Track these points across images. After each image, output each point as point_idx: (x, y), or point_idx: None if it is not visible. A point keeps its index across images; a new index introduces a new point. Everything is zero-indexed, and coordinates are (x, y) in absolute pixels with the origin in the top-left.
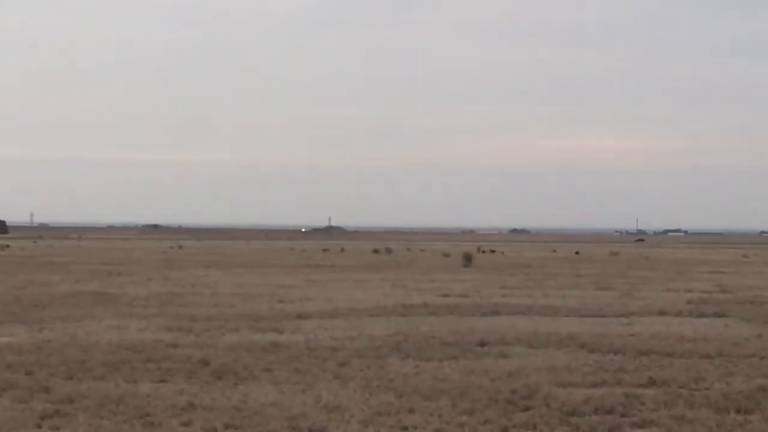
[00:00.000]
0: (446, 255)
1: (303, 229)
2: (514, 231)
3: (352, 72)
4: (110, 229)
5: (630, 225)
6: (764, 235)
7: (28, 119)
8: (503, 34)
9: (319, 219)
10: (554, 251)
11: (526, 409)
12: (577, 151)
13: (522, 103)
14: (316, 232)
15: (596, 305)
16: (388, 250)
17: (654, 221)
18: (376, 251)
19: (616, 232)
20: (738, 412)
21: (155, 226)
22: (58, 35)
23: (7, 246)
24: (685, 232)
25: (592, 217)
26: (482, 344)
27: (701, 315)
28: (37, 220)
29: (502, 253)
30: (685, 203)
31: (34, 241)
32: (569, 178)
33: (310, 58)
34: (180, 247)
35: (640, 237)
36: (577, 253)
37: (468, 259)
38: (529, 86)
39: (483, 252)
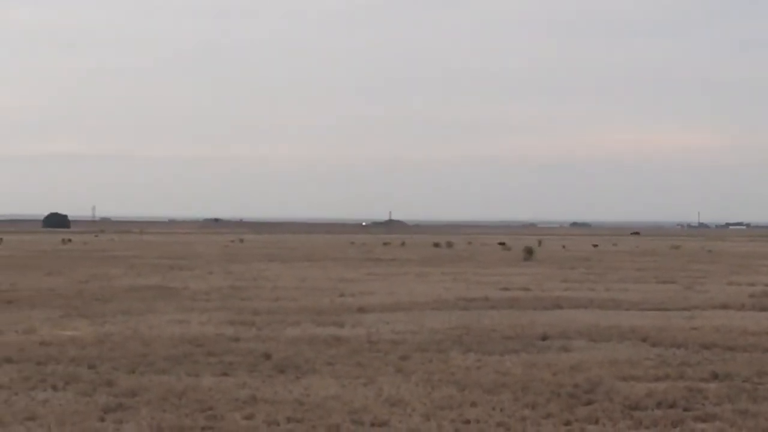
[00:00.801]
0: (507, 248)
1: (363, 223)
2: (574, 224)
3: (413, 66)
4: (171, 223)
5: (692, 218)
6: None
7: (90, 115)
8: (566, 28)
9: (379, 213)
10: (615, 245)
11: (589, 403)
12: (639, 143)
13: (583, 96)
14: (376, 226)
15: (658, 299)
16: (449, 244)
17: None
18: (436, 245)
19: (678, 224)
20: None
21: (216, 220)
22: (116, 34)
23: (70, 240)
24: (747, 225)
25: (653, 210)
26: (544, 338)
27: (764, 309)
28: (99, 214)
29: (563, 246)
30: (748, 196)
31: (96, 236)
32: (631, 171)
33: (366, 53)
34: (241, 240)
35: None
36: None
37: (529, 252)
38: (590, 79)
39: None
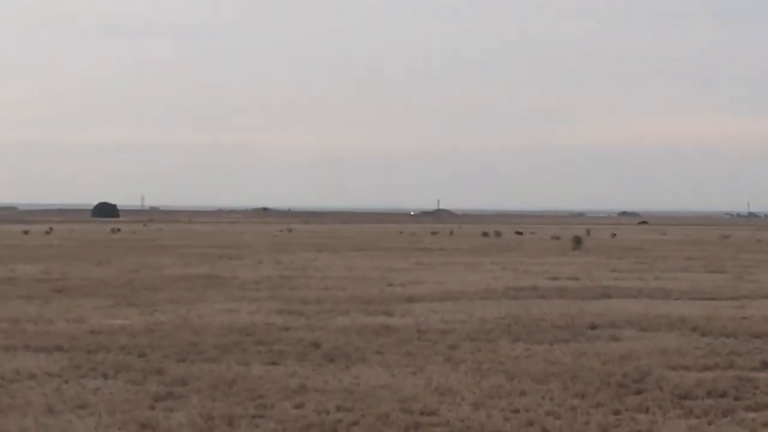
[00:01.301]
0: (556, 238)
1: (412, 213)
2: (623, 214)
3: (461, 54)
4: (220, 212)
5: (742, 207)
6: None
7: (139, 105)
8: (617, 15)
9: (427, 202)
10: (664, 234)
11: (638, 392)
12: (687, 132)
13: (631, 85)
14: (424, 216)
15: (707, 288)
16: (497, 233)
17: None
18: (485, 234)
19: (727, 214)
20: None
21: (265, 209)
22: (169, 20)
23: (119, 230)
24: None
25: (702, 199)
26: (593, 327)
27: None
28: (148, 203)
29: (613, 235)
30: None
31: (145, 225)
32: (680, 160)
33: (416, 39)
34: (290, 230)
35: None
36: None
37: (577, 241)
38: (639, 68)
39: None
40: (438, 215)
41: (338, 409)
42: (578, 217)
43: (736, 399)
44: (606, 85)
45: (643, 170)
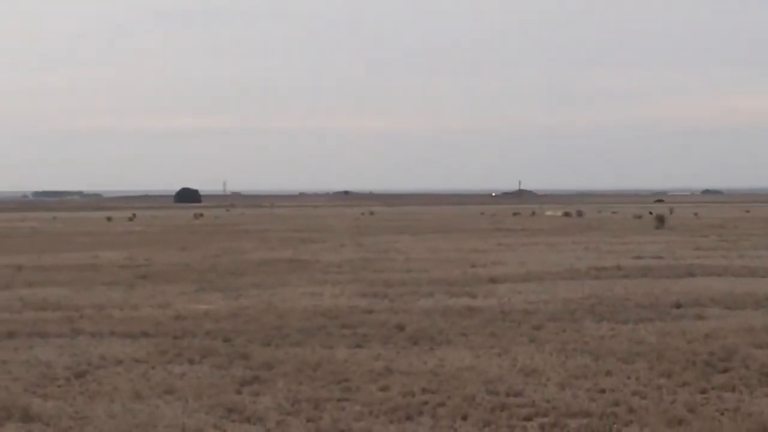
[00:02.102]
0: (638, 217)
1: (493, 194)
2: (706, 192)
3: (542, 34)
4: (301, 196)
5: None
6: None
7: (220, 90)
8: None
9: (509, 183)
10: (747, 212)
11: (725, 370)
12: None
13: (716, 63)
14: (506, 196)
15: None
16: (579, 213)
17: None
18: (566, 214)
19: None
20: None
21: (346, 192)
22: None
23: (201, 215)
24: None
25: None
26: (678, 306)
27: None
28: (230, 188)
29: (695, 214)
30: None
31: (227, 210)
32: (764, 137)
33: (499, 20)
34: (371, 213)
35: (659, 198)
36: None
37: (660, 220)
38: (725, 45)
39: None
40: (520, 196)
41: (424, 391)
42: (661, 195)
43: None
44: (688, 63)
45: (726, 148)
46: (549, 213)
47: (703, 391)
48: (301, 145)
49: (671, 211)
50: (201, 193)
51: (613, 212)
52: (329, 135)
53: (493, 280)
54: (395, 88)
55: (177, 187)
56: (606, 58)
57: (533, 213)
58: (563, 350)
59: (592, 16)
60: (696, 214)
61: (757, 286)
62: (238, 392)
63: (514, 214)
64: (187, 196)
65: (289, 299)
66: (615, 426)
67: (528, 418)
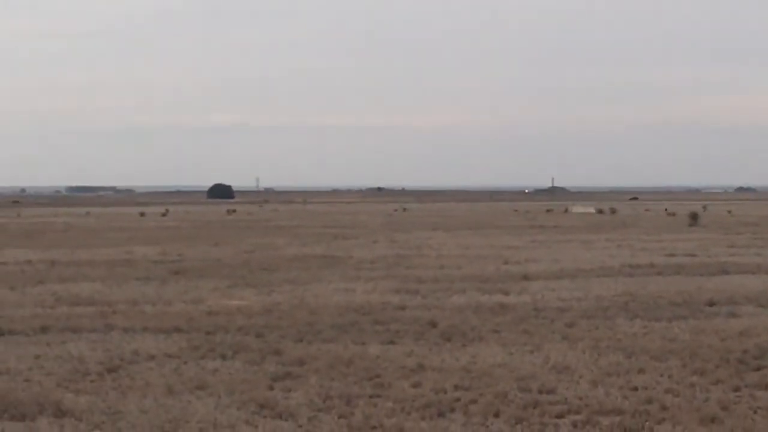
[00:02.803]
0: (671, 214)
1: (526, 191)
2: (740, 189)
3: (578, 31)
4: (334, 192)
5: None
6: None
7: (253, 87)
8: None
9: (542, 180)
10: None
11: (758, 368)
12: None
13: (751, 61)
14: (539, 193)
15: None
16: (612, 210)
17: None
18: (600, 211)
19: None
20: None
21: (379, 189)
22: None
23: (234, 211)
24: None
25: None
26: (711, 304)
27: None
28: (263, 184)
29: (729, 211)
30: None
31: (260, 206)
32: None
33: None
34: (404, 209)
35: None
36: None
37: (694, 218)
38: (754, 45)
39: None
40: (552, 193)
41: (456, 387)
42: (694, 193)
43: None
44: (721, 61)
45: (761, 146)
46: (577, 210)
47: (737, 389)
48: (334, 141)
49: (704, 208)
50: (234, 189)
51: (646, 209)
52: (362, 132)
53: (526, 277)
54: (425, 85)
55: (210, 183)
56: (643, 56)
57: (566, 210)
58: (596, 348)
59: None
60: (730, 211)
61: None
62: (271, 388)
63: (547, 210)
64: (221, 192)
65: (322, 295)
66: (647, 424)
67: (560, 416)
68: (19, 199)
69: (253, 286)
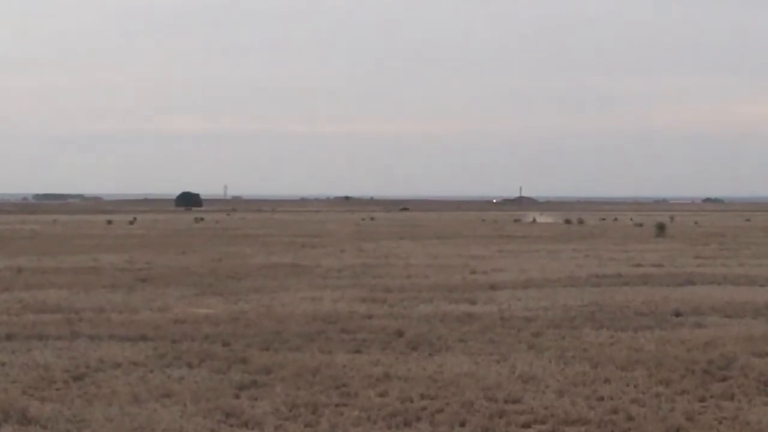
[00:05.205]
0: (638, 225)
1: (494, 200)
2: (707, 200)
3: (543, 40)
4: (302, 201)
5: None
6: None
7: (221, 93)
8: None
9: (510, 190)
10: (748, 220)
11: (724, 379)
12: None
13: (716, 70)
14: (507, 203)
15: None
16: (580, 221)
17: None
18: (567, 221)
19: None
20: None
21: (347, 198)
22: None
23: (202, 219)
24: None
25: None
26: (677, 314)
27: None
28: (231, 193)
29: (696, 222)
30: None
31: (228, 214)
32: (765, 146)
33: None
34: (372, 218)
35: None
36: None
37: (661, 228)
38: (725, 53)
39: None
40: (520, 203)
41: (422, 397)
42: (661, 203)
43: None
44: (690, 71)
45: (728, 156)
46: (538, 219)
47: (702, 400)
48: (302, 149)
49: (672, 219)
50: (202, 197)
51: (614, 219)
52: (330, 140)
53: (493, 287)
54: (394, 93)
55: (178, 191)
56: (608, 65)
57: (534, 220)
58: (562, 357)
59: (597, 23)
60: (696, 222)
61: (756, 294)
62: (237, 396)
63: (516, 220)
64: (188, 200)
65: (289, 304)
66: None
67: (526, 425)
68: None
69: (220, 295)
